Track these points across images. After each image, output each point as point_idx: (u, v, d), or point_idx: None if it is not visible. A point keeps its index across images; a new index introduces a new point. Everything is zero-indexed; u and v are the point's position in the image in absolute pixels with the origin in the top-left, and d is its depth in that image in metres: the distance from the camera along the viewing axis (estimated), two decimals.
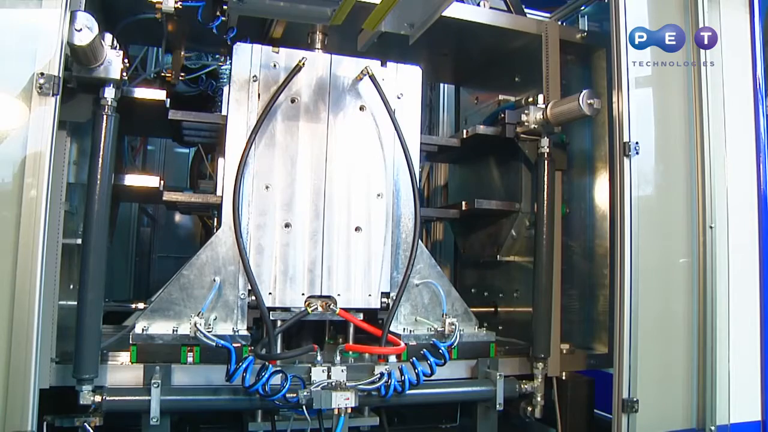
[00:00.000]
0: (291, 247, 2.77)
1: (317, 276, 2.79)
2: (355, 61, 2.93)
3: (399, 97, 3.01)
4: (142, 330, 2.51)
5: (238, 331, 2.60)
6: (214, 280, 2.64)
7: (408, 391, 2.66)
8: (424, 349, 2.77)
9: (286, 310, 2.73)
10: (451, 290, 3.04)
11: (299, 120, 2.84)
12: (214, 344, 2.44)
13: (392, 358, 2.77)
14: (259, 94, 2.78)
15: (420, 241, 2.94)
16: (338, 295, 2.81)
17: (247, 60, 2.79)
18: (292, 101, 2.83)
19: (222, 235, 2.69)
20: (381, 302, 2.87)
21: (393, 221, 2.92)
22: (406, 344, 2.77)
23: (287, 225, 2.77)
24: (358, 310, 2.83)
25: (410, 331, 2.88)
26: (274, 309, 2.72)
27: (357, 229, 2.89)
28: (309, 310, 2.69)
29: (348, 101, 2.93)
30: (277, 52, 2.83)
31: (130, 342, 2.48)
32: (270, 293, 2.72)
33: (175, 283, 2.62)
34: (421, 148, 3.15)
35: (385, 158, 2.96)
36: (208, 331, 2.47)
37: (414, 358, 2.73)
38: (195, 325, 2.47)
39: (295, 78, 2.81)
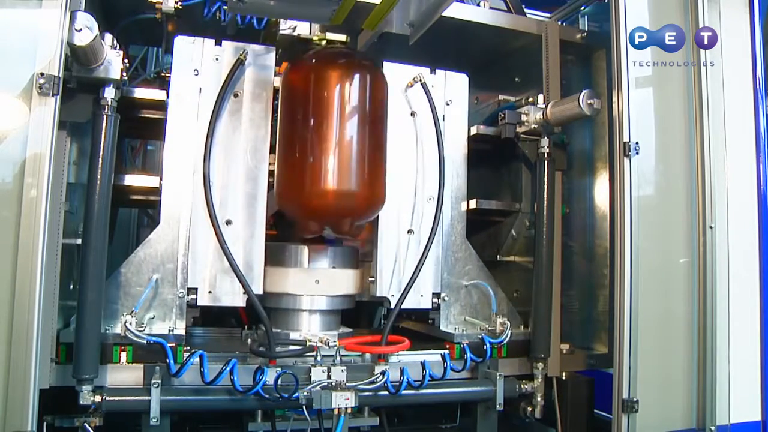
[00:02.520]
0: (232, 244, 2.71)
1: (259, 273, 2.75)
2: (406, 68, 3.00)
3: (448, 104, 3.10)
4: (74, 329, 2.46)
5: (173, 330, 2.57)
6: (151, 278, 2.60)
7: (408, 391, 2.66)
8: (465, 345, 2.87)
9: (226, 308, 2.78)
10: (498, 291, 3.11)
11: None
12: (145, 342, 2.43)
13: (393, 358, 2.78)
14: (200, 88, 2.72)
15: (468, 242, 3.09)
16: (392, 295, 2.87)
17: (189, 53, 2.73)
18: None
19: (161, 231, 2.65)
20: (432, 303, 2.96)
21: (443, 223, 3.00)
22: (458, 343, 2.91)
23: (228, 222, 2.72)
24: (410, 311, 2.89)
25: (462, 330, 2.99)
26: (210, 307, 2.72)
27: (409, 231, 2.94)
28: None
29: (400, 107, 2.99)
30: (220, 45, 2.76)
31: (60, 341, 2.42)
32: (210, 292, 2.68)
33: (113, 282, 2.58)
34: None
35: (433, 162, 3.01)
36: (140, 330, 2.46)
37: (446, 352, 2.84)
38: (125, 323, 2.45)
39: None
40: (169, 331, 2.56)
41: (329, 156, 2.57)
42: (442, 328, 3.00)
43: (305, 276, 2.83)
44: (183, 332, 2.57)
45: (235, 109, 2.77)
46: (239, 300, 2.69)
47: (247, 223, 2.73)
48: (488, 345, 2.88)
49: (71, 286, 2.56)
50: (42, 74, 2.09)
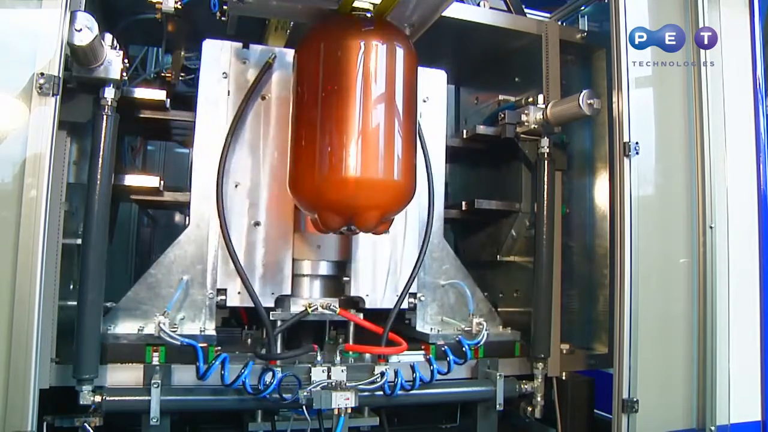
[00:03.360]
0: (260, 245, 2.74)
1: (287, 276, 2.75)
2: None
3: (425, 101, 3.04)
4: (107, 330, 2.49)
5: (204, 331, 2.59)
6: (181, 279, 2.62)
7: (414, 391, 2.67)
8: (446, 347, 2.82)
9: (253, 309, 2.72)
10: (476, 290, 3.08)
11: None
12: (179, 343, 2.44)
13: (393, 358, 2.78)
14: (229, 91, 2.74)
15: (445, 241, 3.01)
16: (366, 295, 2.82)
17: (217, 57, 2.75)
18: None
19: (190, 233, 2.66)
20: (408, 302, 2.90)
21: (420, 222, 2.94)
22: (433, 344, 2.82)
23: (256, 223, 2.74)
24: (385, 311, 2.84)
25: (438, 330, 2.93)
26: (242, 308, 2.74)
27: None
28: (309, 310, 2.69)
29: None
30: (248, 48, 2.79)
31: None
32: (239, 292, 2.68)
33: (143, 283, 2.59)
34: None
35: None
36: (173, 331, 2.47)
37: (430, 356, 2.78)
38: (159, 324, 2.46)
39: None
40: (200, 331, 2.58)
41: (353, 138, 2.22)
42: (418, 328, 2.93)
43: (307, 241, 2.81)
44: (213, 333, 2.59)
45: (263, 112, 2.78)
46: (269, 300, 2.70)
47: (275, 225, 2.73)
48: (467, 347, 2.82)
49: (71, 286, 2.56)
50: (42, 74, 2.09)
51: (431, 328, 2.93)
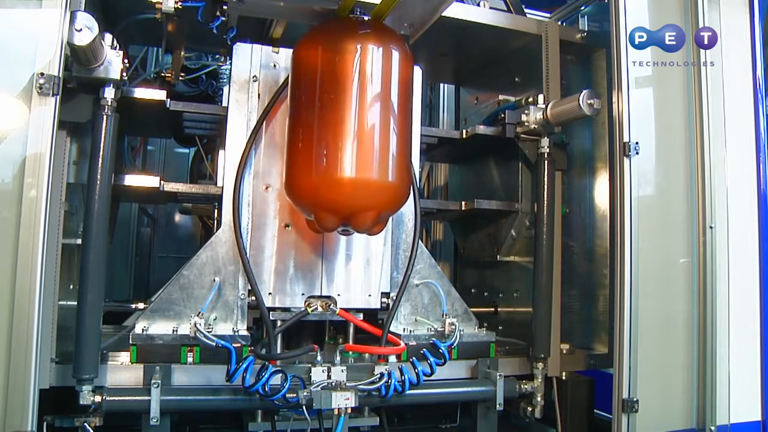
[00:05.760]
0: (291, 247, 2.77)
1: (317, 276, 2.79)
2: None
3: None
4: (142, 330, 2.51)
5: (238, 331, 2.60)
6: (214, 280, 2.64)
7: (408, 391, 2.65)
8: (425, 349, 2.77)
9: (286, 310, 2.73)
10: (451, 290, 3.04)
11: None
12: (214, 344, 2.44)
13: (392, 358, 2.77)
14: (259, 95, 2.77)
15: (420, 241, 2.94)
16: (338, 295, 2.80)
17: (247, 60, 2.79)
18: None
19: (222, 235, 2.68)
20: (381, 302, 2.86)
21: (393, 221, 2.89)
22: (406, 344, 2.77)
23: (287, 225, 2.77)
24: (358, 311, 2.82)
25: (410, 331, 2.87)
26: (273, 309, 2.71)
27: None
28: (309, 310, 2.68)
29: None
30: (277, 53, 2.82)
31: (130, 342, 2.48)
32: (270, 293, 2.72)
33: (175, 283, 2.62)
34: (422, 140, 3.15)
35: None
36: (208, 331, 2.48)
37: (414, 358, 2.73)
38: (195, 325, 2.47)
39: None
40: (234, 332, 2.59)
41: (349, 139, 2.25)
42: (392, 328, 2.83)
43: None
44: (246, 333, 2.61)
45: None
46: (299, 301, 2.72)
47: (305, 226, 2.69)
48: (443, 348, 2.77)
49: (71, 286, 2.56)
50: (42, 74, 2.10)
51: (404, 329, 2.87)
